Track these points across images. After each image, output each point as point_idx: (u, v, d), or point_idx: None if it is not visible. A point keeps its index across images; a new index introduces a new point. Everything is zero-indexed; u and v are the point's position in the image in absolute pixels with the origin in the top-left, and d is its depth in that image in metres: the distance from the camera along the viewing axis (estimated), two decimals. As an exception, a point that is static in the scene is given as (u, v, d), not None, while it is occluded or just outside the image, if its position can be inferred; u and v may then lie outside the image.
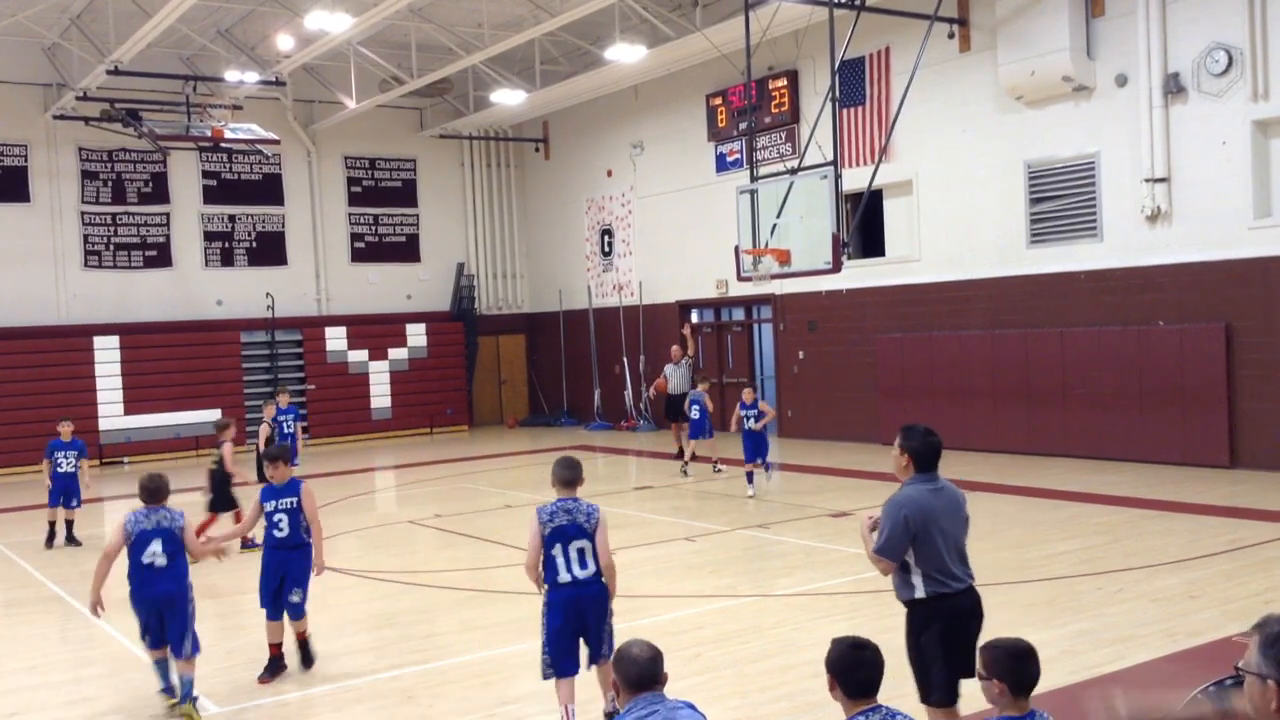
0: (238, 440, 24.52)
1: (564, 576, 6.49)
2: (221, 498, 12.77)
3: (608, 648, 6.52)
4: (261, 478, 16.21)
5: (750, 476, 15.56)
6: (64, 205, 24.14)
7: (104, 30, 20.36)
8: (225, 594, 11.11)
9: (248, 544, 12.03)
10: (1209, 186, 15.76)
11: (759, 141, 21.49)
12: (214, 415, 24.37)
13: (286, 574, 8.11)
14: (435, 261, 28.44)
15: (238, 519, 12.40)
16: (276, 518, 8.13)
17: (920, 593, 5.50)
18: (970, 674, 5.45)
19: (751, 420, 15.63)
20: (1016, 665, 4.08)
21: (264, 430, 16.33)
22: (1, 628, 10.28)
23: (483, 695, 7.54)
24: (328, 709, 7.48)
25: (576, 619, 6.51)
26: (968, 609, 5.60)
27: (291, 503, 8.14)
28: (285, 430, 16.97)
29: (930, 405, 19.43)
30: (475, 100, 25.80)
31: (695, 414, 17.47)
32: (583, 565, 6.51)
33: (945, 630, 5.48)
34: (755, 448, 15.47)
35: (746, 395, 15.74)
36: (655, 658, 3.99)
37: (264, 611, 8.17)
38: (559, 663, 6.53)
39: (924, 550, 5.45)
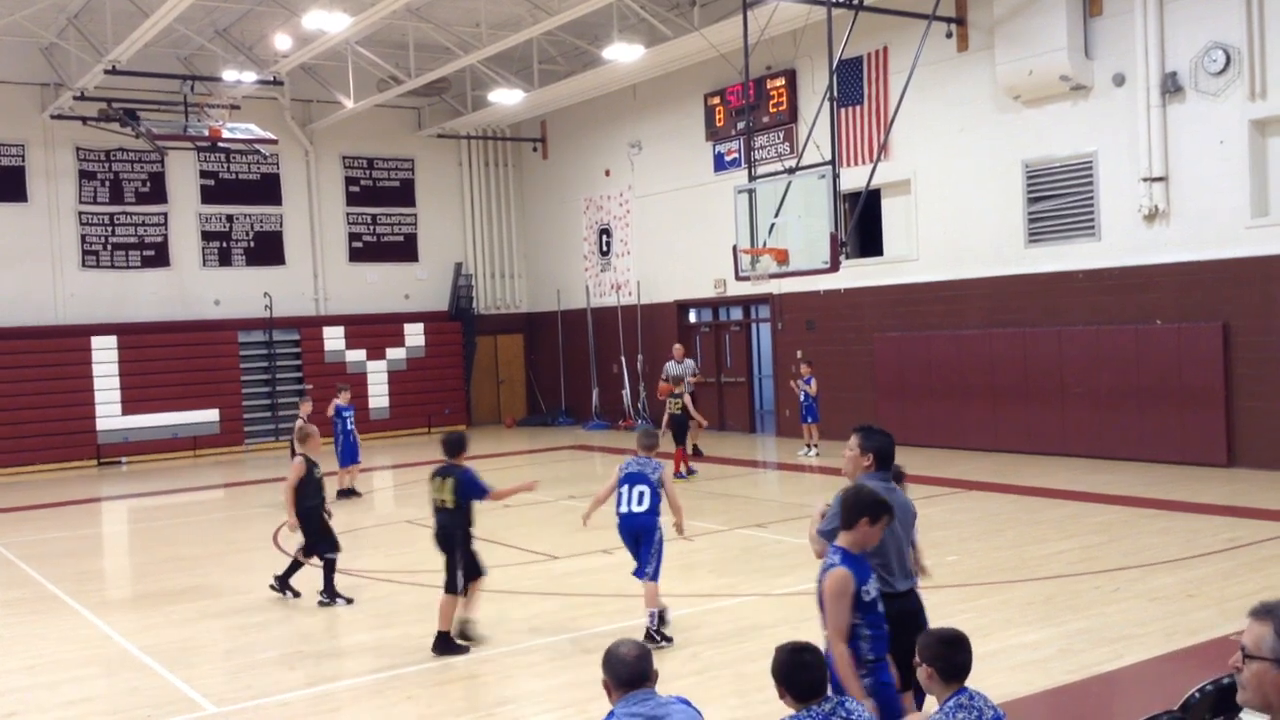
0: (236, 440, 24.93)
1: None
2: (679, 434, 17.18)
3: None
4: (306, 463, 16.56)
5: None
6: (61, 205, 24.12)
7: (101, 30, 20.34)
8: (226, 594, 11.12)
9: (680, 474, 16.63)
10: (1206, 186, 15.78)
11: (757, 141, 21.48)
12: (212, 415, 24.61)
13: None
14: (433, 261, 28.44)
15: (678, 456, 16.95)
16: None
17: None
18: (908, 686, 5.24)
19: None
20: (946, 651, 4.26)
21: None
22: (1, 628, 10.28)
23: (482, 695, 7.55)
24: (328, 709, 7.48)
25: None
26: (912, 611, 5.55)
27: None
28: (348, 427, 17.08)
29: (928, 404, 19.47)
30: (473, 100, 25.80)
31: (805, 397, 19.18)
32: None
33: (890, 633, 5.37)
34: None
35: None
36: (644, 655, 4.03)
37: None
38: None
39: (876, 547, 5.41)
